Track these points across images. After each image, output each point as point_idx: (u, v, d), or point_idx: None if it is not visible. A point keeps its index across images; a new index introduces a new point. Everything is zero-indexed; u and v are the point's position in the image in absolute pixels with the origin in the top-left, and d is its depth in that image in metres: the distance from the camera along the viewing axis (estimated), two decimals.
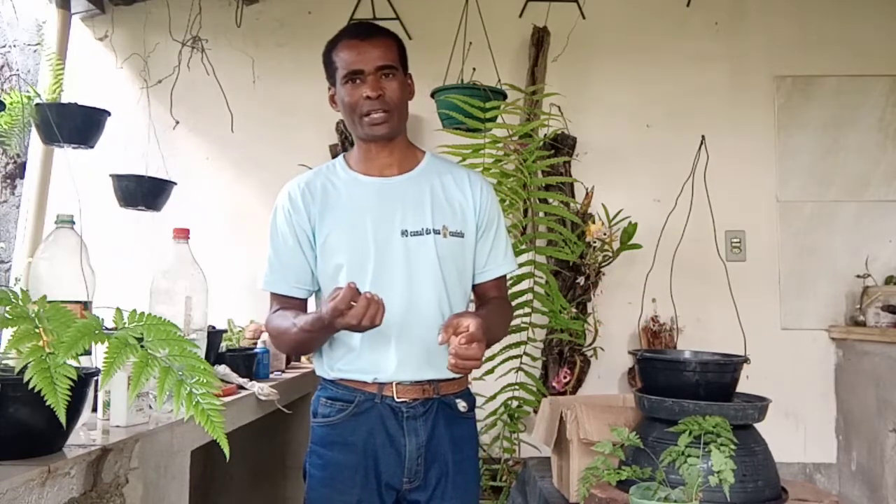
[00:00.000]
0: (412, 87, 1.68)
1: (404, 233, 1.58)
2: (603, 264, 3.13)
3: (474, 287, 1.71)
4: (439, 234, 1.59)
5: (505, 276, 1.74)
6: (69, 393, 0.99)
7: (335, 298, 1.37)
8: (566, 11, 3.35)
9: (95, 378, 1.15)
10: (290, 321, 1.56)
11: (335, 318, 1.38)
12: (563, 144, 3.27)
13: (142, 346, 1.05)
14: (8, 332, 1.05)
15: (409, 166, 1.67)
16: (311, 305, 1.68)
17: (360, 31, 1.62)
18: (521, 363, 2.87)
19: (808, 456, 3.24)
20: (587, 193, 3.22)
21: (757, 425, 1.69)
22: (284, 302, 1.62)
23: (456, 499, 1.60)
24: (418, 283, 1.55)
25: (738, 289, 2.54)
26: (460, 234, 1.62)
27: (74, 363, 1.04)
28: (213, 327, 1.98)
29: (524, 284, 2.80)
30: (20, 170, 3.44)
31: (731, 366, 1.75)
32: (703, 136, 2.84)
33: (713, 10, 3.41)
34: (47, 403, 0.97)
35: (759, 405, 1.66)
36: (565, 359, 3.11)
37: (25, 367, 0.99)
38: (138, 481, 1.27)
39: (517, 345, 2.83)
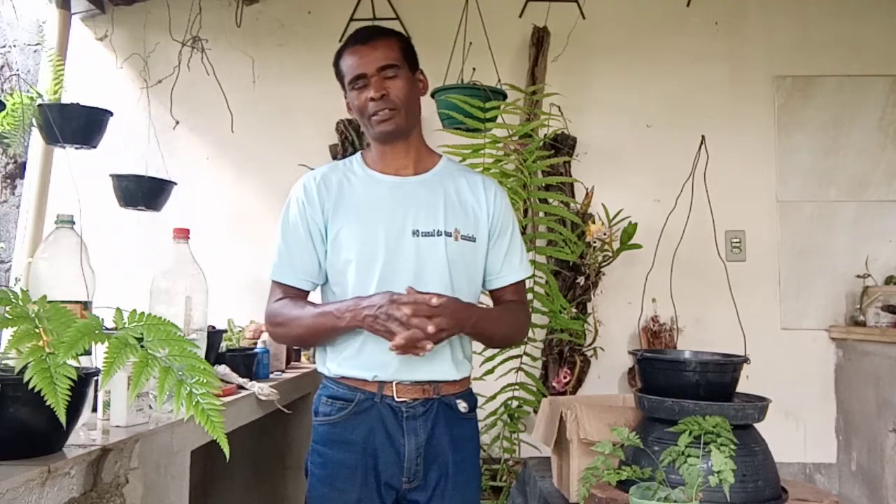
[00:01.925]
0: (425, 83, 1.70)
1: (415, 233, 1.58)
2: (603, 264, 3.13)
3: (491, 292, 1.72)
4: (451, 236, 1.60)
5: (523, 281, 1.75)
6: (69, 393, 0.99)
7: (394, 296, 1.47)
8: (566, 11, 3.35)
9: (95, 378, 1.15)
10: (304, 309, 1.58)
11: (386, 305, 1.45)
12: (563, 144, 3.27)
13: (142, 346, 1.05)
14: (8, 332, 1.05)
15: (425, 168, 1.68)
16: (313, 298, 1.68)
17: (361, 35, 1.64)
18: (521, 363, 2.87)
19: (808, 456, 3.24)
20: (587, 193, 3.22)
21: (757, 425, 1.69)
22: (287, 292, 1.63)
23: (456, 499, 1.60)
24: (425, 284, 1.55)
25: (738, 289, 2.54)
26: (472, 239, 1.63)
27: (74, 363, 1.04)
28: (213, 327, 1.98)
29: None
30: (20, 170, 3.44)
31: (731, 366, 1.75)
32: (703, 136, 2.84)
33: (713, 10, 3.41)
34: (47, 403, 0.97)
35: (759, 405, 1.66)
36: (565, 359, 3.11)
37: (25, 367, 0.99)
38: (138, 481, 1.27)
39: (517, 345, 2.83)
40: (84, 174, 3.03)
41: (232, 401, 1.80)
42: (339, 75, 1.65)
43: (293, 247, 1.63)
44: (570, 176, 3.23)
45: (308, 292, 1.66)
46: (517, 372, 2.87)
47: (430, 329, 1.44)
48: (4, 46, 3.50)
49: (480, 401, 1.92)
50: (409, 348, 1.46)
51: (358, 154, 1.72)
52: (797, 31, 3.39)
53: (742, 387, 1.79)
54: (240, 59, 3.43)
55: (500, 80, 3.11)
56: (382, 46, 1.60)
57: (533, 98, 3.18)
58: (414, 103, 1.65)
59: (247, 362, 2.08)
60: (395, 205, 1.60)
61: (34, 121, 2.58)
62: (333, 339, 1.59)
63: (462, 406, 1.63)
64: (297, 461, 2.56)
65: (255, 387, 1.95)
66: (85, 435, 1.24)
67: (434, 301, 1.46)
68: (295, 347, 2.62)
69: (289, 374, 2.40)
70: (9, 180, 3.47)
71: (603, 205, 3.11)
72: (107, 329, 1.08)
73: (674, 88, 3.37)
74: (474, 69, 3.16)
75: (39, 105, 2.60)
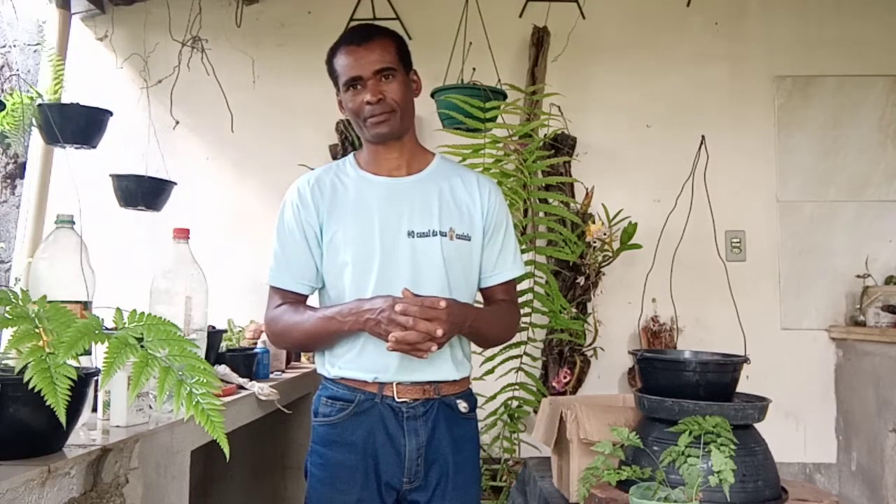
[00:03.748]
0: (418, 84, 1.68)
1: (411, 234, 1.58)
2: (603, 264, 3.13)
3: (483, 290, 1.71)
4: (446, 236, 1.59)
5: (514, 280, 1.74)
6: (69, 393, 0.99)
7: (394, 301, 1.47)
8: (566, 11, 3.35)
9: (95, 378, 1.15)
10: (305, 314, 1.58)
11: (388, 310, 1.45)
12: (563, 144, 3.27)
13: (142, 346, 1.05)
14: (8, 332, 1.05)
15: (419, 167, 1.67)
16: (311, 302, 1.68)
17: (356, 35, 1.61)
18: (521, 363, 2.87)
19: (808, 456, 3.24)
20: (587, 193, 3.22)
21: (757, 425, 1.69)
22: (287, 297, 1.63)
23: (456, 499, 1.59)
24: (423, 285, 1.55)
25: (738, 289, 2.53)
26: (467, 238, 1.62)
27: (74, 363, 1.04)
28: (213, 327, 1.98)
29: (524, 284, 2.80)
30: (20, 170, 3.44)
31: (731, 366, 1.75)
32: (703, 136, 2.84)
33: (713, 10, 3.41)
34: (47, 403, 0.97)
35: (759, 405, 1.66)
36: (565, 359, 3.11)
37: (25, 367, 0.99)
38: (138, 481, 1.27)
39: (517, 345, 2.83)
40: (84, 174, 3.03)
41: (232, 401, 1.80)
42: (333, 74, 1.63)
43: (290, 251, 1.62)
44: (570, 176, 3.23)
45: (307, 296, 1.66)
46: (517, 372, 2.87)
47: (440, 332, 1.44)
48: (4, 46, 3.50)
49: (480, 401, 1.92)
50: (412, 351, 1.46)
51: (350, 155, 1.71)
52: (797, 30, 3.39)
53: (742, 387, 1.79)
54: (240, 59, 3.43)
55: (500, 80, 3.11)
56: (379, 48, 1.58)
57: (533, 98, 3.18)
58: (409, 105, 1.64)
59: (247, 362, 2.08)
60: (389, 206, 1.60)
61: (34, 121, 2.58)
62: (335, 342, 1.59)
63: (462, 406, 1.63)
64: (297, 461, 2.56)
65: (255, 387, 1.95)
66: (85, 435, 1.24)
67: (443, 304, 1.45)
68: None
69: (289, 374, 2.40)
70: (9, 180, 3.47)
71: (603, 205, 3.11)
72: (107, 329, 1.08)
73: (674, 88, 3.37)
74: (474, 69, 3.16)
75: (39, 105, 2.60)
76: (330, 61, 1.63)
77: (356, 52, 1.58)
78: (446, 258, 1.58)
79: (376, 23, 1.90)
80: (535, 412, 2.55)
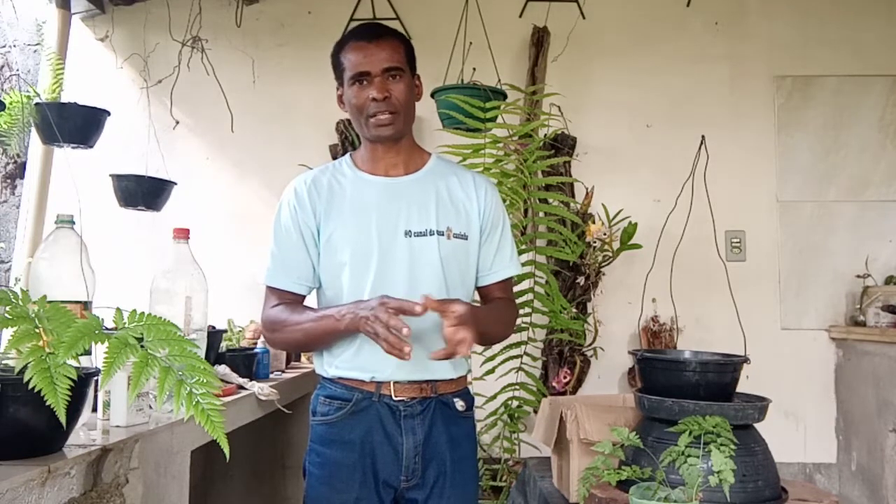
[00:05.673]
0: (420, 89, 1.68)
1: (408, 233, 1.58)
2: (603, 264, 3.13)
3: (480, 289, 1.71)
4: (443, 235, 1.59)
5: (511, 278, 1.75)
6: (69, 393, 0.99)
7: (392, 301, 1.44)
8: (566, 11, 3.35)
9: (95, 378, 1.15)
10: (303, 314, 1.57)
11: (380, 308, 1.42)
12: (563, 144, 3.27)
13: (142, 346, 1.05)
14: (8, 332, 1.05)
15: (415, 167, 1.67)
16: (309, 303, 1.68)
17: (368, 32, 1.62)
18: (521, 363, 2.87)
19: (808, 456, 3.24)
20: (587, 193, 3.22)
21: (757, 425, 1.69)
22: (283, 297, 1.62)
23: (454, 497, 1.60)
24: (420, 284, 1.55)
25: (738, 289, 2.54)
26: (464, 237, 1.63)
27: (74, 363, 1.04)
28: (213, 327, 1.98)
29: (524, 284, 2.80)
30: (20, 170, 3.44)
31: (731, 366, 1.75)
32: (703, 136, 2.84)
33: (713, 10, 3.41)
34: (47, 403, 0.97)
35: (759, 405, 1.66)
36: (565, 359, 3.11)
37: (25, 367, 0.99)
38: (138, 481, 1.27)
39: (517, 345, 2.84)
40: (84, 174, 3.03)
41: (232, 401, 1.80)
42: (339, 67, 1.63)
43: (286, 251, 1.62)
44: (570, 176, 3.23)
45: (304, 297, 1.66)
46: (517, 372, 2.87)
47: (467, 335, 1.42)
48: (4, 46, 3.50)
49: (480, 401, 1.92)
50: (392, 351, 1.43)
51: (347, 156, 1.71)
52: (797, 30, 3.39)
53: (742, 387, 1.79)
54: (240, 59, 3.43)
55: (500, 80, 3.11)
56: (389, 47, 1.58)
57: (533, 98, 3.18)
58: (411, 108, 1.64)
59: (247, 362, 2.08)
60: (386, 206, 1.60)
61: (32, 120, 2.58)
62: (333, 342, 1.59)
63: (459, 405, 1.63)
64: (296, 461, 2.56)
65: (255, 387, 1.95)
66: (85, 435, 1.24)
67: (420, 310, 1.42)
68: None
69: (289, 374, 2.40)
70: (9, 180, 3.47)
71: (603, 205, 3.11)
72: (107, 329, 1.08)
73: (674, 88, 3.37)
74: (474, 69, 3.16)
75: (37, 104, 2.60)
76: (336, 55, 1.63)
77: (366, 48, 1.58)
78: (443, 257, 1.58)
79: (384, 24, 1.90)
80: (535, 412, 2.55)
